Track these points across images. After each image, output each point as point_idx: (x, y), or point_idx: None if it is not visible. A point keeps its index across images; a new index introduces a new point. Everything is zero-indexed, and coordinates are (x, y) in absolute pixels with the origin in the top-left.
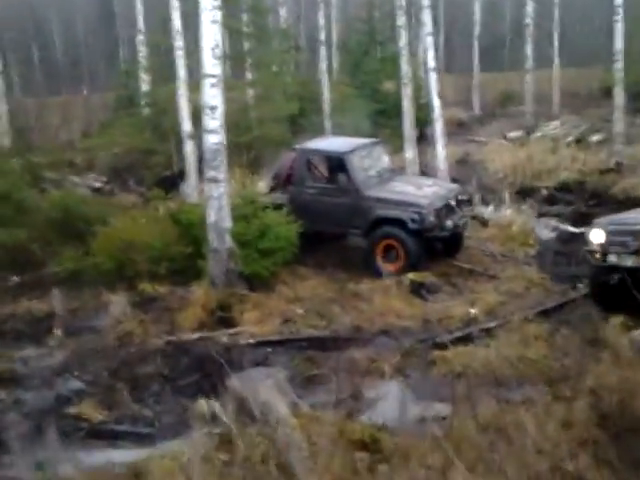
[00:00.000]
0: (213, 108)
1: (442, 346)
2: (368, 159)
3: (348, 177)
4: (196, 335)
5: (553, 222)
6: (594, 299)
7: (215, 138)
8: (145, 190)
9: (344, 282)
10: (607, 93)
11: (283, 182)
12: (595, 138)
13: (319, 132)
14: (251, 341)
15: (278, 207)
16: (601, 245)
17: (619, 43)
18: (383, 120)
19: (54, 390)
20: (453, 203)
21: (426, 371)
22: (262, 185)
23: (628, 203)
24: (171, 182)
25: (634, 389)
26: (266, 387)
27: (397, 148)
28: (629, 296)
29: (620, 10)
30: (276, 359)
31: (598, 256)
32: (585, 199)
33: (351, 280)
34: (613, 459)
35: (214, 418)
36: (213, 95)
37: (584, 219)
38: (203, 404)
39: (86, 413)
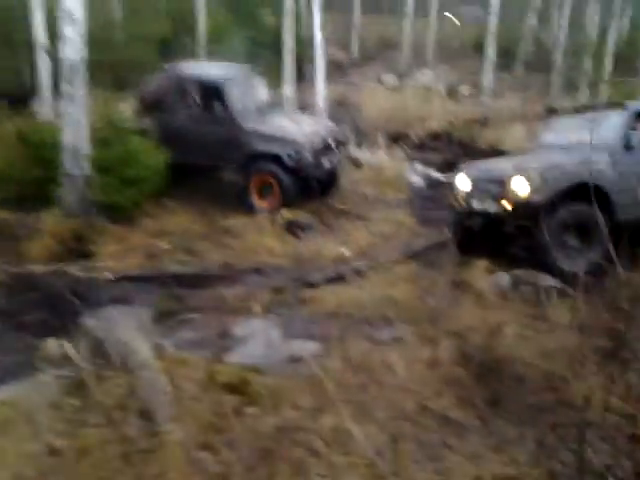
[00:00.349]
0: (72, 15)
1: (314, 285)
2: (247, 89)
3: (224, 106)
4: (46, 268)
5: (423, 168)
6: (457, 243)
7: (73, 50)
8: None
9: (215, 217)
10: (478, 47)
11: (151, 106)
12: (465, 90)
13: (192, 58)
14: (110, 276)
15: (144, 133)
16: (465, 191)
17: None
18: (262, 53)
19: None
20: (331, 143)
21: (297, 310)
22: (126, 108)
23: (492, 154)
24: (20, 98)
25: (494, 330)
26: (126, 327)
27: (276, 84)
28: (490, 240)
29: None
30: (138, 297)
31: (462, 202)
32: (452, 147)
33: (223, 216)
34: (475, 398)
35: (65, 360)
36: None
37: (451, 167)
38: (52, 344)
39: None
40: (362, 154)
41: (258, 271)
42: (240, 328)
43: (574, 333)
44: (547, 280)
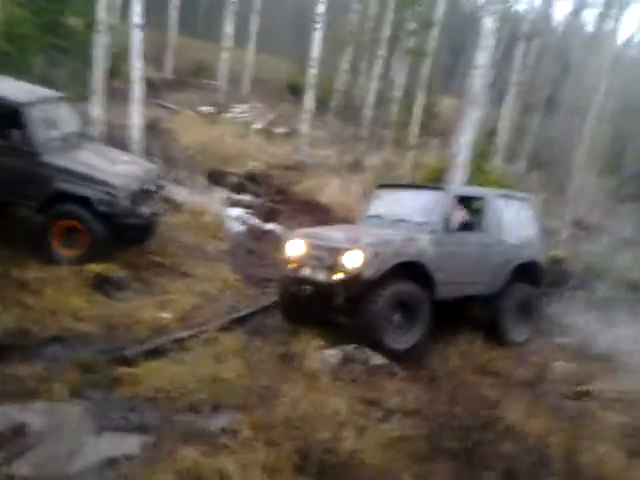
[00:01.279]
0: None
1: (129, 360)
2: (52, 116)
3: (23, 134)
4: None
5: (243, 213)
6: (282, 309)
7: None
8: None
9: (7, 267)
10: (295, 89)
11: None
12: (280, 130)
13: None
14: None
15: None
16: (298, 256)
17: (316, 51)
18: (63, 60)
19: None
20: (151, 187)
21: (110, 393)
22: None
23: (310, 205)
24: None
25: (334, 426)
26: None
27: (78, 97)
28: (318, 311)
29: (321, 19)
30: None
31: (292, 266)
32: (272, 193)
33: (17, 265)
34: None
35: None
36: None
37: (272, 214)
38: None
39: None
40: (180, 194)
41: (61, 340)
42: (39, 419)
43: (410, 421)
44: (376, 358)
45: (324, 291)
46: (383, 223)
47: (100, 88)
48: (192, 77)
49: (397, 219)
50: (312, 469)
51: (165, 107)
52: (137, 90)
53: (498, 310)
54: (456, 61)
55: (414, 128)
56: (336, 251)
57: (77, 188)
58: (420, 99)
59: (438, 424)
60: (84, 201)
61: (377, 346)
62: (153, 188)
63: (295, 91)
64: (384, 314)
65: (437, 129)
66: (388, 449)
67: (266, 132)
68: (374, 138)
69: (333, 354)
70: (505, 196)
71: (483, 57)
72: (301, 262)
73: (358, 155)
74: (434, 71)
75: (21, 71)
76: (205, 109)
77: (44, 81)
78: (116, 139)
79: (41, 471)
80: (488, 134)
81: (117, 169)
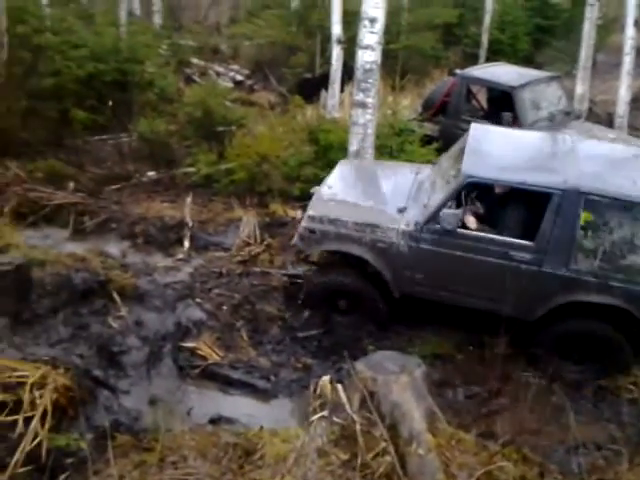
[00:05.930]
0: (373, 20)
1: None
2: (541, 97)
3: (513, 116)
4: None
5: None
6: None
7: (370, 56)
8: (285, 90)
9: None
10: None
11: (435, 111)
12: None
13: (473, 46)
14: None
15: (427, 139)
16: None
17: None
18: (547, 39)
19: (174, 315)
20: None
21: None
22: (408, 109)
23: None
24: (311, 86)
25: None
26: (400, 386)
27: (563, 74)
28: None
29: None
30: None
31: None
32: None
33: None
34: None
35: (336, 404)
36: (375, 4)
37: None
38: (326, 384)
39: (202, 350)
40: None
41: None
42: None
43: None
44: None
45: None
46: None
47: (586, 64)
48: None
49: None
50: None
51: None
52: (627, 62)
53: None
54: None
55: None
56: None
57: None
58: None
59: None
60: None
61: None
62: None
63: None
64: None
65: None
66: None
67: None
68: None
69: None
70: None
71: None
72: None
73: None
74: None
75: (510, 55)
76: None
77: (529, 62)
78: (596, 115)
79: None
80: None
81: None
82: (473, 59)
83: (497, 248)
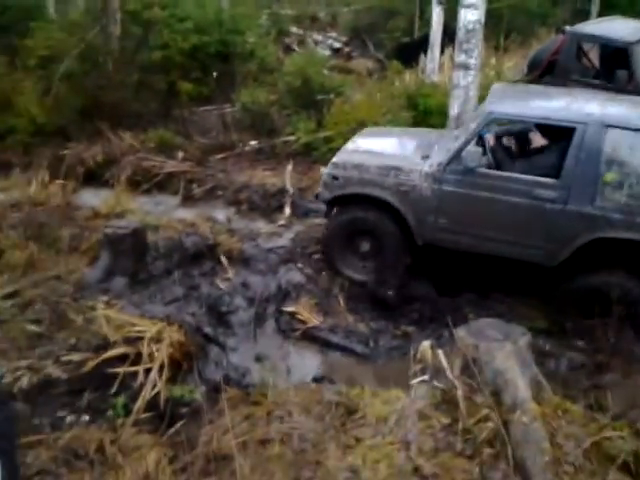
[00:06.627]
0: None
1: None
2: None
3: (629, 74)
4: None
5: None
6: None
7: (473, 15)
8: (383, 56)
9: None
10: None
11: (542, 71)
12: None
13: (584, 2)
14: None
15: None
16: None
17: None
18: None
19: (276, 278)
20: None
21: None
22: (512, 70)
23: None
24: (410, 51)
25: None
26: (504, 354)
27: None
28: None
29: None
30: None
31: None
32: None
33: None
34: None
35: (437, 370)
36: None
37: None
38: (426, 349)
39: (302, 314)
40: None
41: None
42: None
43: None
44: None
45: None
46: None
47: None
48: None
49: None
50: None
51: None
52: None
53: None
54: None
55: None
56: None
57: None
58: None
59: None
60: None
61: None
62: None
63: None
64: None
65: None
66: None
67: None
68: None
69: None
70: None
71: None
72: None
73: None
74: None
75: (626, 9)
76: None
77: None
78: None
79: None
80: None
81: None
82: (583, 15)
83: (521, 187)
